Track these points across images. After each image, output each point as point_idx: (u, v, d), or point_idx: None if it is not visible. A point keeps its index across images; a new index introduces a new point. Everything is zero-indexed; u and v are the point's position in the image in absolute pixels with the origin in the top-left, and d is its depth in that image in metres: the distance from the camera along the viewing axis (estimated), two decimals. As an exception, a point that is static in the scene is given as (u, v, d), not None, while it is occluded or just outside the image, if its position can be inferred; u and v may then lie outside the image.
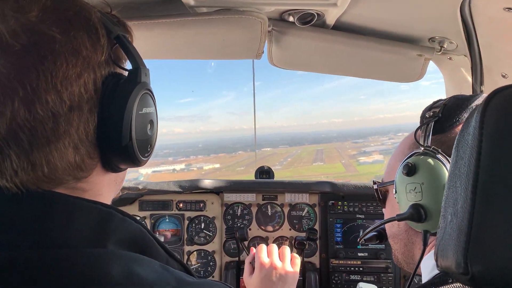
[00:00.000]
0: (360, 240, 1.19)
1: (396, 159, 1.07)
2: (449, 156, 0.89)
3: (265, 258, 1.59)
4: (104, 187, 0.74)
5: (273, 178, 2.72)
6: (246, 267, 1.67)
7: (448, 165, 0.88)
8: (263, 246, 1.66)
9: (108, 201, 0.78)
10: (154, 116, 0.78)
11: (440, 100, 1.01)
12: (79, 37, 0.64)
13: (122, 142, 0.68)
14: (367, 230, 1.14)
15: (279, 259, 1.61)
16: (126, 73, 0.74)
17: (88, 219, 0.64)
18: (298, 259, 1.66)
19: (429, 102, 1.04)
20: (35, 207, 0.62)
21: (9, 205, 0.62)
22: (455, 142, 0.66)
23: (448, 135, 0.95)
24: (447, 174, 0.87)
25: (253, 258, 1.67)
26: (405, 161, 0.95)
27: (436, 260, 0.65)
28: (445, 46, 1.58)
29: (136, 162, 0.73)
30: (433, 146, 0.93)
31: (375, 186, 1.13)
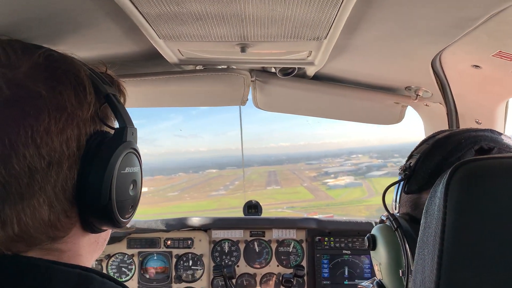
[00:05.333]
0: None
1: None
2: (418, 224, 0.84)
3: None
4: (84, 248, 0.71)
5: (261, 213, 2.74)
6: None
7: (406, 244, 0.82)
8: None
9: (89, 262, 0.75)
10: (138, 176, 0.76)
11: (424, 143, 0.90)
12: (65, 93, 0.63)
13: (100, 202, 0.65)
14: None
15: None
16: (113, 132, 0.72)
17: (67, 284, 0.60)
18: None
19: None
20: (8, 273, 0.57)
21: None
22: (424, 208, 0.70)
23: (424, 197, 0.84)
24: (402, 257, 0.82)
25: None
26: (369, 234, 0.90)
27: None
28: (420, 94, 1.65)
29: (115, 223, 0.70)
30: (398, 215, 0.87)
31: None
